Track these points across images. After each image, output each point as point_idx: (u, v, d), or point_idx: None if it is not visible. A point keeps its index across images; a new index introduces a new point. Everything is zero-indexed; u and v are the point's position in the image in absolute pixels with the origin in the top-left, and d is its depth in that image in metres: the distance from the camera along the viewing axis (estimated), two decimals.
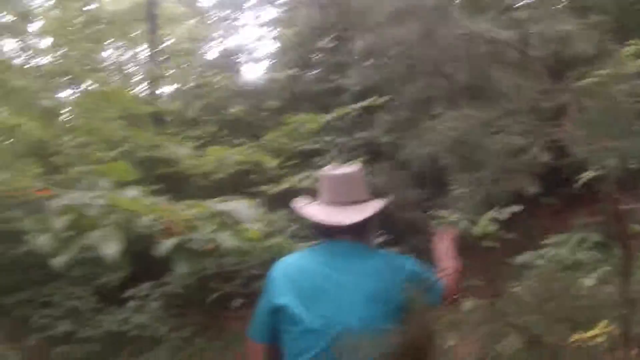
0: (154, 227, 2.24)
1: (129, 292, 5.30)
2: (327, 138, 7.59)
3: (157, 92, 9.90)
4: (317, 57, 12.60)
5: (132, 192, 2.18)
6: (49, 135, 9.21)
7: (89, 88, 6.83)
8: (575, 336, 3.89)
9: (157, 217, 2.33)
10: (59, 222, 1.94)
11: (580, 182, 5.98)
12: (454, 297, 2.78)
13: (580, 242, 5.94)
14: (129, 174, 2.40)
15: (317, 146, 7.20)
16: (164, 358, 4.91)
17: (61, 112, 7.93)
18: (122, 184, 2.38)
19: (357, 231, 2.67)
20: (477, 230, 4.73)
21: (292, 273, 2.66)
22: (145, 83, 10.77)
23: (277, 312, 2.59)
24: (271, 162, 3.38)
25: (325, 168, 2.85)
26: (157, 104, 7.52)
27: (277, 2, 13.77)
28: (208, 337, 6.58)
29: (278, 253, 4.45)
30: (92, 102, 6.14)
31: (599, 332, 3.93)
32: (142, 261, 7.51)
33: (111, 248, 1.94)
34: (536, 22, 2.92)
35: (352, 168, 2.81)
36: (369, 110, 7.62)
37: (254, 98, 10.89)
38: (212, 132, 6.62)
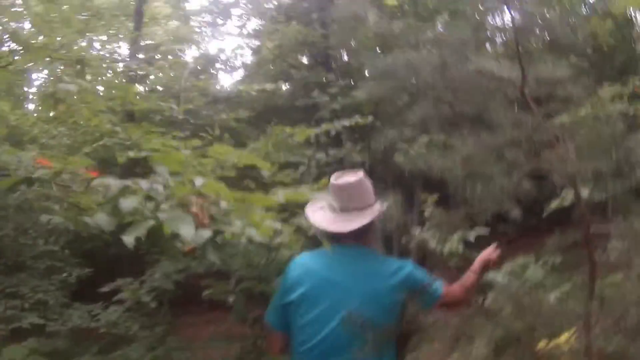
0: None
1: (103, 288, 5.28)
2: (308, 152, 7.79)
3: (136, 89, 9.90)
4: (295, 72, 12.78)
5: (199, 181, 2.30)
6: (26, 122, 9.22)
7: (82, 78, 6.85)
8: (541, 344, 4.12)
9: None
10: (126, 203, 2.07)
11: (548, 210, 6.32)
12: (459, 306, 3.05)
13: (543, 264, 6.23)
14: (180, 166, 2.53)
15: (296, 159, 7.35)
16: (134, 357, 4.95)
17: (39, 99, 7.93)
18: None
19: (359, 235, 2.95)
20: (445, 249, 4.93)
21: (301, 273, 2.99)
22: (123, 80, 10.75)
23: (288, 306, 2.95)
24: (267, 169, 3.54)
25: (332, 176, 3.06)
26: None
27: (264, 14, 13.88)
28: (180, 337, 6.64)
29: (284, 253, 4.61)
30: (87, 91, 6.14)
31: (563, 341, 4.18)
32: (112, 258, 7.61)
33: (185, 229, 2.08)
34: (534, 65, 3.19)
35: (355, 176, 3.03)
36: (349, 128, 7.85)
37: (228, 106, 11.02)
38: (198, 135, 6.70)
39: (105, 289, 5.22)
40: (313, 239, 3.64)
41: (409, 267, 2.99)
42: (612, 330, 3.02)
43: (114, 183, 2.28)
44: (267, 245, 4.40)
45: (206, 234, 2.32)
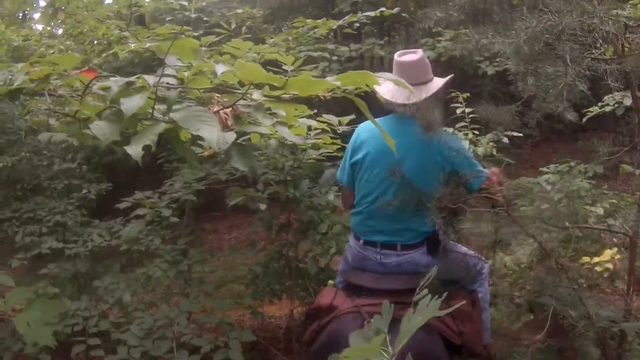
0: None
1: (121, 205, 4.98)
2: (331, 46, 7.31)
3: None
4: None
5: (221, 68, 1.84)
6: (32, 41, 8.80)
7: None
8: (584, 259, 3.89)
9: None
10: (129, 103, 1.64)
11: (589, 114, 5.91)
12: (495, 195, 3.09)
13: (582, 172, 5.88)
14: (196, 55, 2.07)
15: (317, 54, 6.88)
16: (157, 274, 4.70)
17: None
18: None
19: (423, 107, 3.11)
20: (479, 151, 4.58)
21: (367, 137, 3.28)
22: None
23: (354, 165, 3.32)
24: (289, 64, 3.12)
25: (396, 54, 3.32)
26: None
27: None
28: (203, 248, 6.42)
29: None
30: None
31: (605, 259, 3.92)
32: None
33: (207, 131, 1.65)
34: None
35: (416, 54, 3.28)
36: (373, 19, 7.35)
37: (242, 4, 10.45)
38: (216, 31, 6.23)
39: (123, 205, 4.91)
40: (341, 137, 3.96)
41: (461, 146, 3.31)
42: None
43: (114, 82, 1.84)
44: (295, 146, 4.08)
45: (230, 136, 1.90)
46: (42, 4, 7.05)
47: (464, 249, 3.30)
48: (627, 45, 2.69)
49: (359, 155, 3.28)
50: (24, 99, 2.61)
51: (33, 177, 6.06)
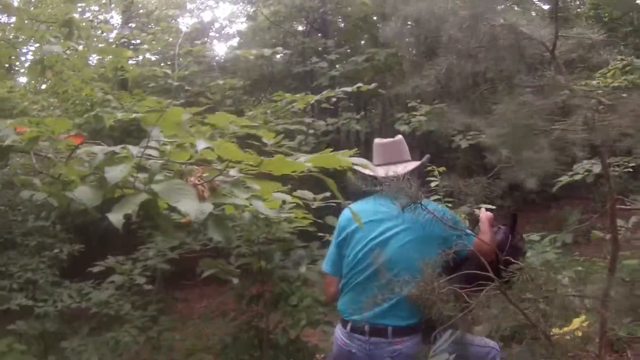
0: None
1: (94, 268, 5.02)
2: (308, 120, 7.48)
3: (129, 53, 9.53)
4: (292, 40, 12.42)
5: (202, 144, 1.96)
6: (16, 95, 8.88)
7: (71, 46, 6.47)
8: (555, 330, 3.95)
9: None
10: (113, 172, 1.74)
11: (559, 185, 6.11)
12: (487, 256, 3.07)
13: (551, 242, 6.02)
14: (178, 129, 2.18)
15: (294, 127, 7.04)
16: (126, 339, 4.72)
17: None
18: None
19: (402, 184, 3.14)
20: None
21: (350, 216, 3.31)
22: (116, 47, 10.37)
23: (341, 245, 3.38)
24: (270, 137, 3.25)
25: (376, 139, 3.56)
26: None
27: None
28: (173, 316, 6.42)
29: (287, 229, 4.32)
30: (76, 54, 5.80)
31: (576, 327, 4.00)
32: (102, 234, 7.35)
33: (186, 204, 1.75)
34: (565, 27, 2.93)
35: (395, 137, 3.56)
36: (349, 95, 7.58)
37: (224, 74, 10.68)
38: (193, 103, 6.38)
39: (96, 269, 4.94)
40: (315, 211, 4.07)
41: (450, 212, 3.34)
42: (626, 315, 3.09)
43: (99, 149, 1.94)
44: (269, 219, 4.17)
45: (208, 207, 2.00)
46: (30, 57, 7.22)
47: (477, 338, 3.19)
48: (598, 117, 2.80)
49: (348, 231, 3.35)
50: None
51: (6, 232, 6.07)
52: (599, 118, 2.76)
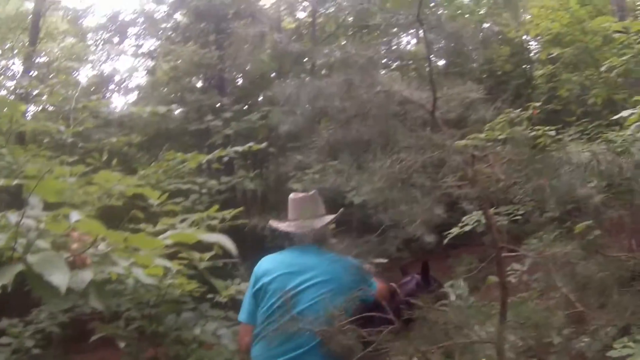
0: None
1: None
2: (200, 179, 7.46)
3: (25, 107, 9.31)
4: (189, 95, 12.43)
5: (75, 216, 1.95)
6: None
7: None
8: None
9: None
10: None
11: (450, 235, 6.35)
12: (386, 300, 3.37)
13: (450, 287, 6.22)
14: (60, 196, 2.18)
15: (187, 186, 7.01)
16: None
17: None
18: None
19: (315, 238, 3.46)
20: None
21: (267, 266, 3.45)
22: (12, 97, 10.15)
23: (257, 294, 3.40)
24: (156, 198, 3.29)
25: (291, 194, 3.70)
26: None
27: (160, 33, 13.49)
28: None
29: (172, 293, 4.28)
30: None
31: None
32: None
33: (57, 277, 1.75)
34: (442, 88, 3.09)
35: (309, 193, 3.68)
36: (243, 155, 7.62)
37: (121, 130, 10.56)
38: (88, 159, 6.25)
39: None
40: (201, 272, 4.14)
41: (355, 265, 3.32)
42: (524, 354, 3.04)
43: None
44: (157, 284, 4.13)
45: (87, 276, 2.00)
46: None
47: None
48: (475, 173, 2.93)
49: (263, 282, 3.37)
50: None
51: None
52: (472, 171, 2.92)
